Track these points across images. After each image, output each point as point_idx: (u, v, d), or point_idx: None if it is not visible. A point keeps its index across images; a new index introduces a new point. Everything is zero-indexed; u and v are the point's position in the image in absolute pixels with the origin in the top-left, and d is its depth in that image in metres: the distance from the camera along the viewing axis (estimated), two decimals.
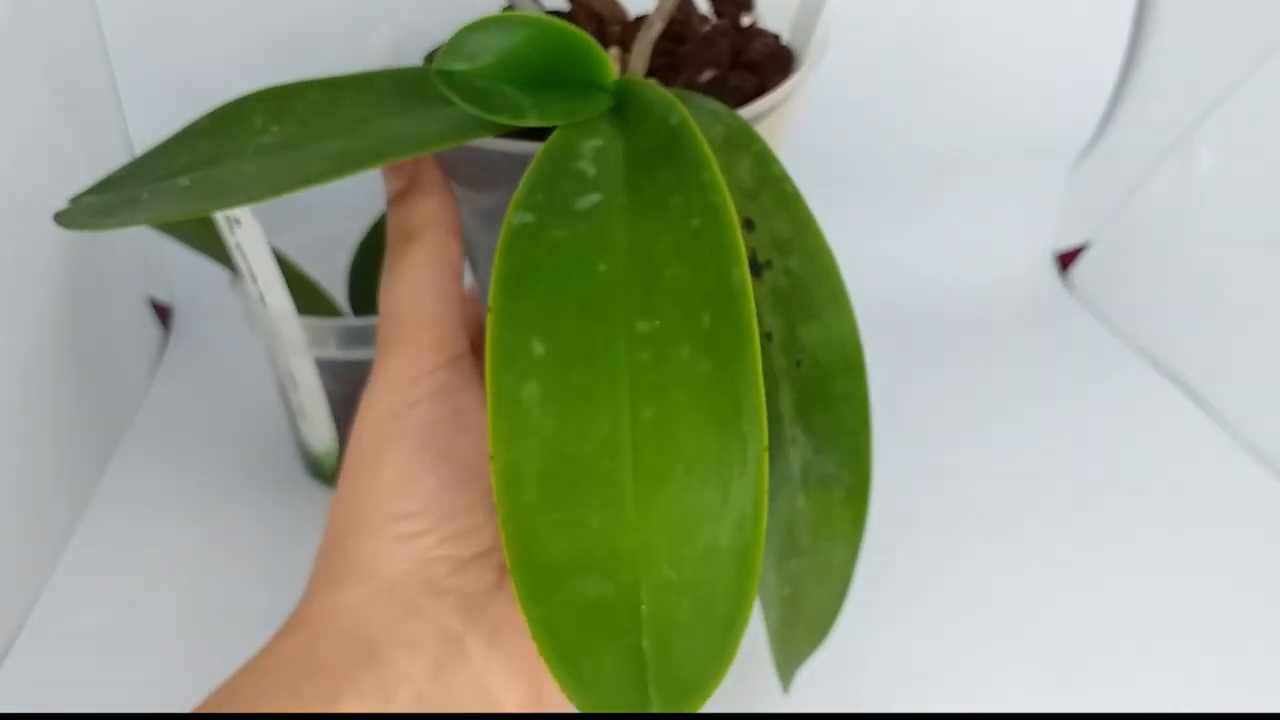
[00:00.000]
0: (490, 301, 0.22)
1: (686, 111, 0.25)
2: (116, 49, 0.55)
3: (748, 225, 0.26)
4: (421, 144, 0.27)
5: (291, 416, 0.49)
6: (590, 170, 0.25)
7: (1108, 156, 0.62)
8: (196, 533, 0.47)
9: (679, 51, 0.34)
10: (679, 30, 0.35)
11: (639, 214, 0.24)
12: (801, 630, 0.30)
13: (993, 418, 0.53)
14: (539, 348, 0.22)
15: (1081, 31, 0.59)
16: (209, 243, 0.44)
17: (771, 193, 0.27)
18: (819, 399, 0.27)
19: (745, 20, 0.36)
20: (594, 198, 0.24)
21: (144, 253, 0.60)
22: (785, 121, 0.31)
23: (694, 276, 0.22)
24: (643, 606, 0.20)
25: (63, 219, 0.29)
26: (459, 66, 0.26)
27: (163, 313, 0.62)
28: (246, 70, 0.57)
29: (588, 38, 0.27)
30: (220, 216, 0.38)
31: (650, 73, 0.33)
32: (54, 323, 0.47)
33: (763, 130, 0.30)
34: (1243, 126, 0.52)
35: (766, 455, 0.20)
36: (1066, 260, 0.66)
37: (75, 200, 0.30)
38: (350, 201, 0.50)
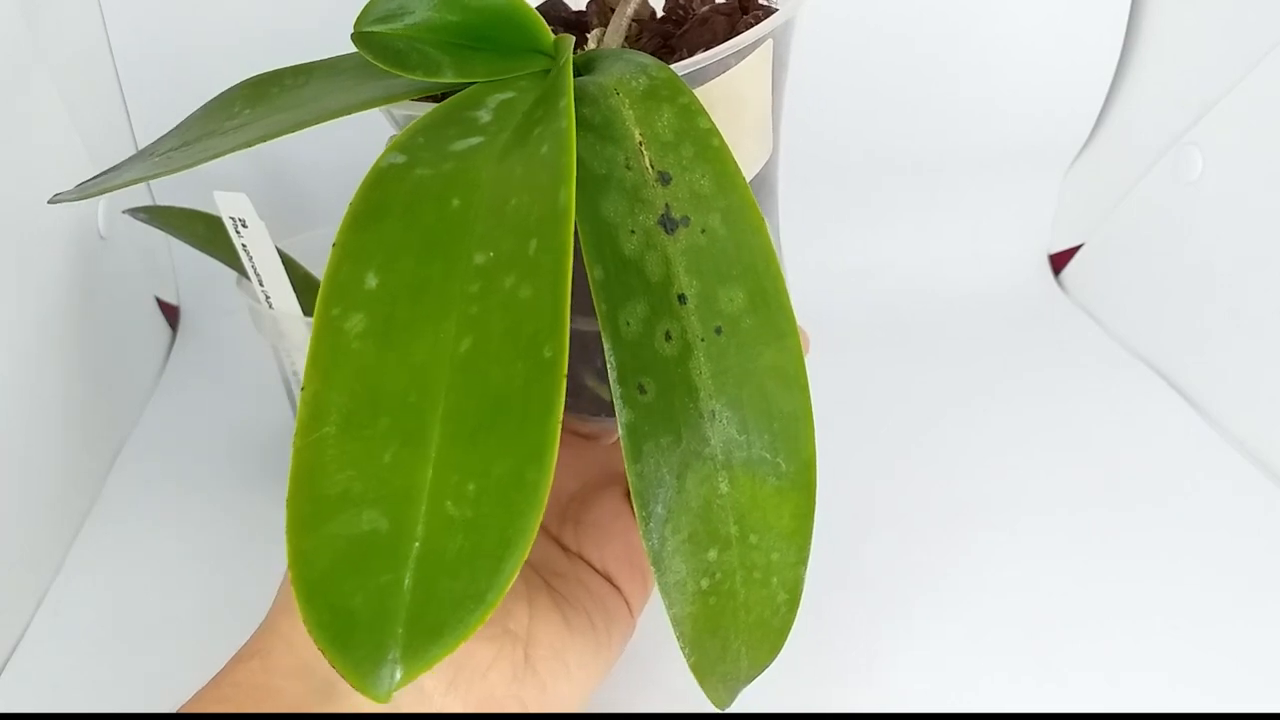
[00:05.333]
0: (336, 237, 0.22)
1: (570, 56, 0.23)
2: (121, 51, 0.56)
3: (663, 179, 0.24)
4: (348, 109, 0.27)
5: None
6: (485, 118, 0.24)
7: (1100, 159, 0.62)
8: (203, 531, 0.47)
9: (676, 34, 0.33)
10: (681, 14, 0.34)
11: (509, 151, 0.23)
12: (736, 637, 0.26)
13: (986, 416, 0.53)
14: (372, 281, 0.21)
15: (1075, 36, 0.59)
16: (216, 244, 0.45)
17: (694, 146, 0.25)
18: (743, 372, 0.24)
19: (760, 1, 0.34)
20: (474, 140, 0.23)
21: (152, 254, 0.60)
22: (752, 82, 0.29)
23: (531, 203, 0.21)
24: (416, 544, 0.18)
25: (56, 198, 0.31)
26: (379, 28, 0.26)
27: (170, 313, 0.62)
28: (250, 69, 0.60)
29: (520, 2, 0.27)
30: (226, 218, 0.39)
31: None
32: (62, 322, 0.48)
33: (722, 91, 0.28)
34: (1233, 130, 0.52)
35: (564, 383, 0.18)
36: (1059, 262, 0.66)
37: (78, 185, 0.32)
38: None
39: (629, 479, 0.23)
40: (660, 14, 0.34)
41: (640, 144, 0.24)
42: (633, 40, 0.33)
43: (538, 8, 0.37)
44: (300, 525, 0.18)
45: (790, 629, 0.27)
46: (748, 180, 0.31)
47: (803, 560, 0.26)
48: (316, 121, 0.27)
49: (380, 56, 0.26)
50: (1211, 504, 0.46)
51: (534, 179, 0.21)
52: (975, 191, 0.63)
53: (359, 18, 0.26)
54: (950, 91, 0.60)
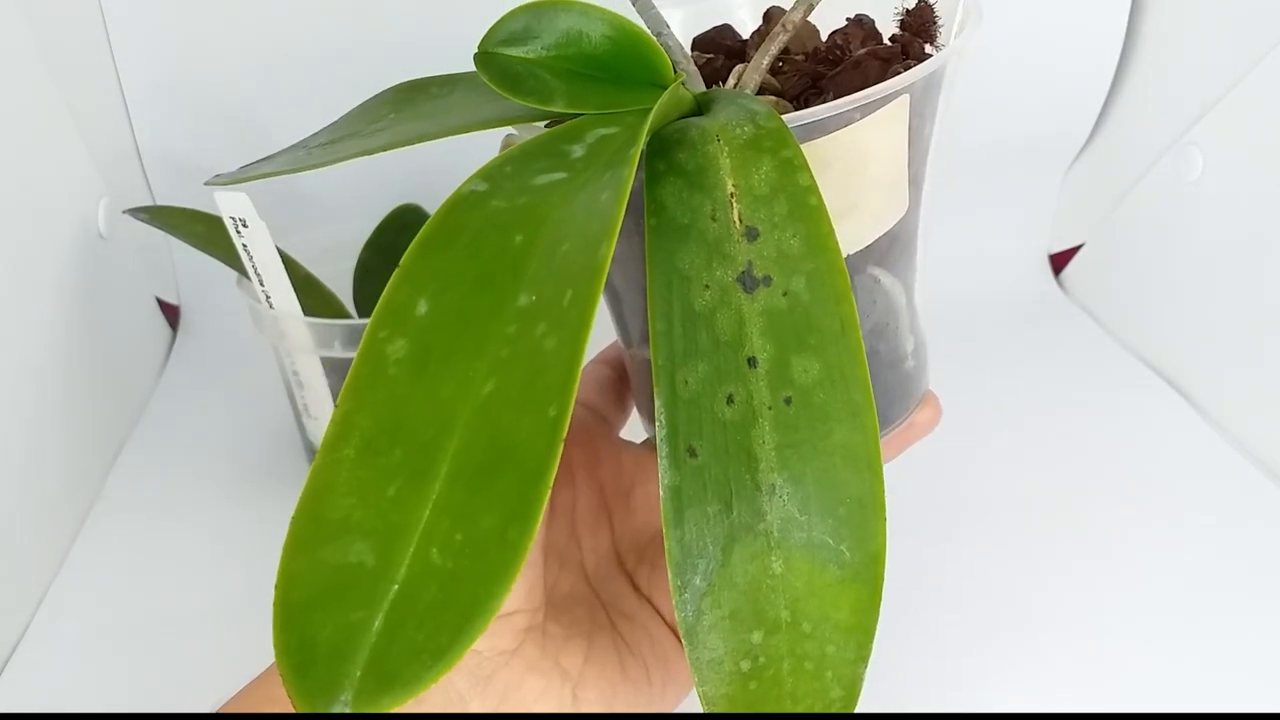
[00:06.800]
0: (402, 259, 0.22)
1: (666, 98, 0.22)
2: (122, 52, 0.56)
3: (750, 234, 0.23)
4: (466, 128, 0.27)
5: (298, 415, 0.49)
6: (578, 153, 0.24)
7: (1100, 159, 0.62)
8: (202, 530, 0.47)
9: (827, 75, 0.31)
10: (838, 54, 0.32)
11: (582, 190, 0.22)
12: None
13: (986, 416, 0.52)
14: (423, 308, 0.21)
15: (1076, 36, 0.58)
16: (217, 244, 0.45)
17: (788, 203, 0.23)
18: (811, 448, 0.23)
19: (928, 49, 0.32)
20: (557, 176, 0.23)
21: (153, 254, 0.60)
22: (881, 136, 0.27)
23: (578, 250, 0.20)
24: (395, 586, 0.18)
25: (214, 180, 0.33)
26: (502, 50, 0.26)
27: (170, 313, 0.62)
28: (251, 69, 0.57)
29: (645, 34, 0.26)
30: (227, 218, 0.40)
31: (794, 96, 0.31)
32: (64, 322, 0.48)
33: (843, 145, 0.27)
34: (1233, 130, 0.52)
35: (560, 445, 0.17)
36: (1059, 262, 0.65)
37: (240, 169, 0.34)
38: (356, 204, 0.51)
39: (666, 545, 0.22)
40: (816, 51, 0.33)
41: (731, 195, 0.23)
42: (781, 78, 0.31)
43: (706, 33, 0.36)
44: (296, 545, 0.19)
45: None
46: (876, 237, 0.29)
47: (863, 659, 0.24)
48: (437, 136, 0.27)
49: (497, 79, 0.26)
50: (1211, 504, 0.46)
51: (588, 226, 0.20)
52: (975, 191, 0.62)
53: (484, 37, 0.26)
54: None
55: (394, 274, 0.22)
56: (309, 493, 0.19)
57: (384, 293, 0.21)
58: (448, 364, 0.20)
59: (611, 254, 0.19)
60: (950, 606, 0.41)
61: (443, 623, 0.17)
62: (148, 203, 0.59)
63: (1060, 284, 0.65)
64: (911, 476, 0.46)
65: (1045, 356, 0.58)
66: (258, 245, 0.41)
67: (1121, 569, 0.43)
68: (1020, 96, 0.60)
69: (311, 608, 0.18)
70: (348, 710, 0.17)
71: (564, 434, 0.17)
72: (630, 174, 0.20)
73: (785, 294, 0.23)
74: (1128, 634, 0.40)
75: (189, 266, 0.61)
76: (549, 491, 0.17)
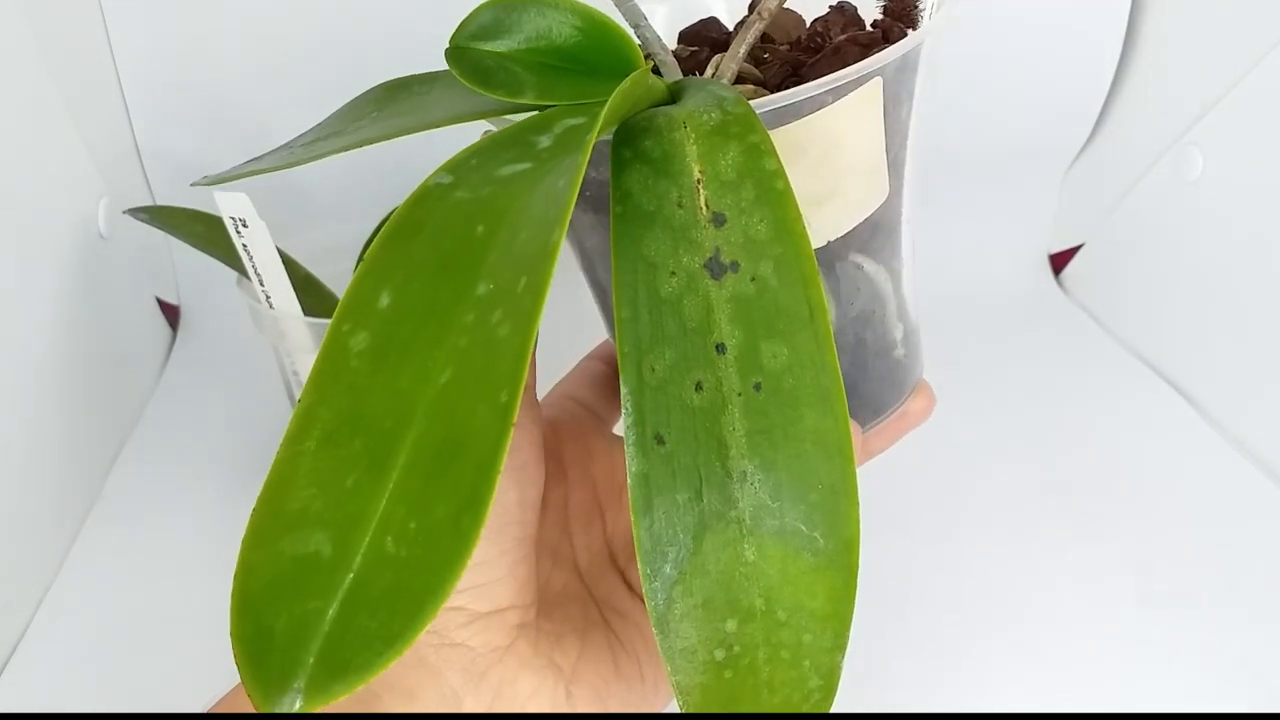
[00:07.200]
0: (367, 252, 0.22)
1: (624, 88, 0.22)
2: (122, 51, 0.56)
3: (717, 220, 0.23)
4: (440, 123, 0.27)
5: None
6: (545, 143, 0.24)
7: (1100, 159, 0.63)
8: (203, 531, 0.47)
9: (808, 63, 0.31)
10: (819, 42, 0.32)
11: (542, 180, 0.22)
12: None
13: (986, 415, 0.52)
14: (385, 300, 0.21)
15: (1075, 36, 0.59)
16: (217, 244, 0.45)
17: (756, 188, 0.23)
18: (782, 434, 0.23)
19: (909, 34, 0.32)
20: (521, 166, 0.23)
21: (153, 254, 0.60)
22: (855, 120, 0.27)
23: (534, 238, 0.20)
24: (350, 575, 0.18)
25: (201, 182, 0.33)
26: (473, 44, 0.26)
27: (170, 313, 0.62)
28: (251, 68, 0.57)
29: (615, 26, 0.26)
30: (227, 218, 0.40)
31: (775, 85, 0.31)
32: (64, 322, 0.48)
33: (817, 129, 0.26)
34: (1232, 130, 0.52)
35: (510, 431, 0.17)
36: (1059, 262, 0.66)
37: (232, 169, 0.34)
38: (356, 204, 0.51)
39: (635, 533, 0.22)
40: (798, 39, 0.33)
41: (698, 182, 0.23)
42: (764, 67, 0.31)
43: (692, 26, 0.36)
44: (256, 536, 0.19)
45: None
46: (857, 223, 0.29)
47: (839, 647, 0.24)
48: (415, 130, 0.27)
49: (468, 73, 0.26)
50: (1211, 503, 0.46)
51: (544, 213, 0.20)
52: (975, 191, 0.63)
53: (456, 31, 0.26)
54: (950, 91, 0.57)
55: (358, 267, 0.22)
56: (270, 485, 0.19)
57: (348, 286, 0.21)
58: (408, 355, 0.20)
59: (563, 239, 0.19)
60: (948, 605, 0.41)
61: (396, 610, 0.17)
62: (148, 203, 0.59)
63: (1060, 284, 0.64)
64: (911, 474, 0.47)
65: (1045, 356, 0.58)
66: (258, 245, 0.42)
67: (1120, 568, 0.43)
68: (1021, 96, 0.60)
69: (268, 597, 0.18)
70: (300, 698, 0.17)
71: (514, 419, 0.17)
72: (583, 160, 0.20)
73: (753, 279, 0.23)
74: (1127, 634, 0.40)
75: (189, 266, 0.61)
76: (499, 478, 0.17)
